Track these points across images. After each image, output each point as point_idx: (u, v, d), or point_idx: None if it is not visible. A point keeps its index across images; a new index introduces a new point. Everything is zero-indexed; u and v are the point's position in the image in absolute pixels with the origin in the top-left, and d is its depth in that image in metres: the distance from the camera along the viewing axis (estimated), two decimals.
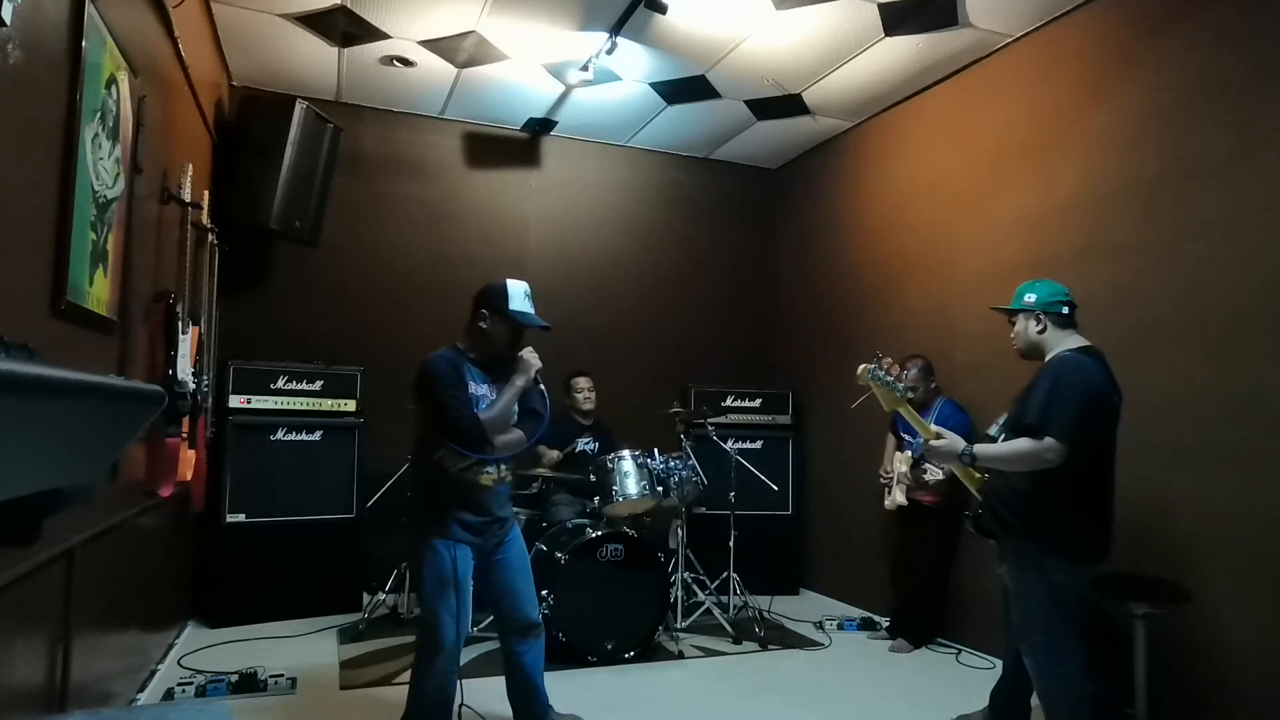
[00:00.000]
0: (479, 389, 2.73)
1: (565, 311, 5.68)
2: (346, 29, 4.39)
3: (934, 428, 2.85)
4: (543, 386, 2.86)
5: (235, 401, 4.49)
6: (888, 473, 4.45)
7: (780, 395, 5.77)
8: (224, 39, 4.53)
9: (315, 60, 4.79)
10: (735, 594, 4.78)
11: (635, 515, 4.33)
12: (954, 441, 2.76)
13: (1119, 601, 2.98)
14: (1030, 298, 2.83)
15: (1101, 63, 3.78)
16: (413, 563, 3.00)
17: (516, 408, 2.80)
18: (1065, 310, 2.81)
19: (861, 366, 2.86)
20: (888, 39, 4.33)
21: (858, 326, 5.41)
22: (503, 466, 2.80)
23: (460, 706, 2.86)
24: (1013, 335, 2.91)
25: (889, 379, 2.85)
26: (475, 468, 2.71)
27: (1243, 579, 3.01)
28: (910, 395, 4.17)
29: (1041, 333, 2.80)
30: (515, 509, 4.20)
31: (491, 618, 4.17)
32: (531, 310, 2.78)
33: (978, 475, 2.87)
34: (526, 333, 2.81)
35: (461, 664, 2.82)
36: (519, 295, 2.75)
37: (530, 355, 2.79)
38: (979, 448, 2.75)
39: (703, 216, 6.35)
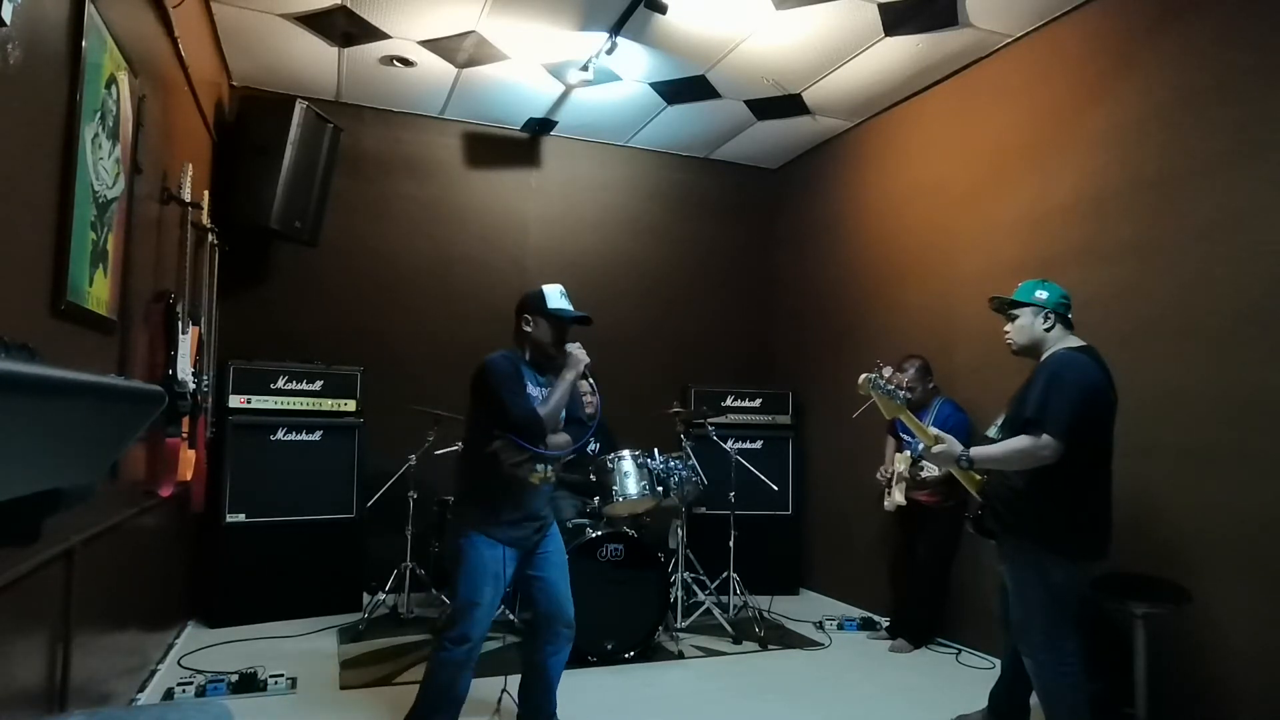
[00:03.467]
0: (534, 390, 2.82)
1: None
2: (346, 29, 4.39)
3: (933, 431, 2.85)
4: (593, 380, 2.99)
5: (235, 401, 4.49)
6: (887, 473, 4.45)
7: (780, 395, 5.77)
8: (224, 39, 4.53)
9: (315, 60, 4.79)
10: (735, 594, 4.78)
11: (635, 515, 4.33)
12: (951, 446, 2.76)
13: (1119, 601, 2.99)
14: (1042, 294, 2.83)
15: (1101, 63, 3.78)
16: (450, 551, 3.08)
17: (564, 415, 2.88)
18: (1069, 314, 2.83)
19: (863, 376, 2.87)
20: (888, 39, 4.33)
21: (858, 326, 5.41)
22: (549, 467, 2.87)
23: (503, 692, 3.04)
24: (1009, 329, 2.89)
25: (890, 388, 2.86)
26: (526, 465, 2.78)
27: (1242, 579, 3.01)
28: (908, 395, 4.19)
29: (1048, 330, 2.80)
30: None
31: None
32: (569, 306, 2.89)
33: (977, 476, 2.87)
34: (572, 331, 2.92)
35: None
36: (555, 295, 2.87)
37: (577, 350, 2.88)
38: (976, 451, 2.75)
39: (703, 216, 6.35)
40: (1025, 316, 2.84)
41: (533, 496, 2.83)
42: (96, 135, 2.33)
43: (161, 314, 3.14)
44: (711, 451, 4.79)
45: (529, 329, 2.86)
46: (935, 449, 2.78)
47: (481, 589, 2.72)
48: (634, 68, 4.77)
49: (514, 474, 2.77)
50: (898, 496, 4.30)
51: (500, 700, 3.04)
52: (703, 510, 5.15)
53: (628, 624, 3.93)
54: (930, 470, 4.04)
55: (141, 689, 3.30)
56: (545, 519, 2.93)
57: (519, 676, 3.00)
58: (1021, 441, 2.64)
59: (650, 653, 4.04)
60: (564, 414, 2.90)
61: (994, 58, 4.40)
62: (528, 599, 2.99)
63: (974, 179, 4.50)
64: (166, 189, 3.28)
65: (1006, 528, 2.76)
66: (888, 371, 2.92)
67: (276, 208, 4.51)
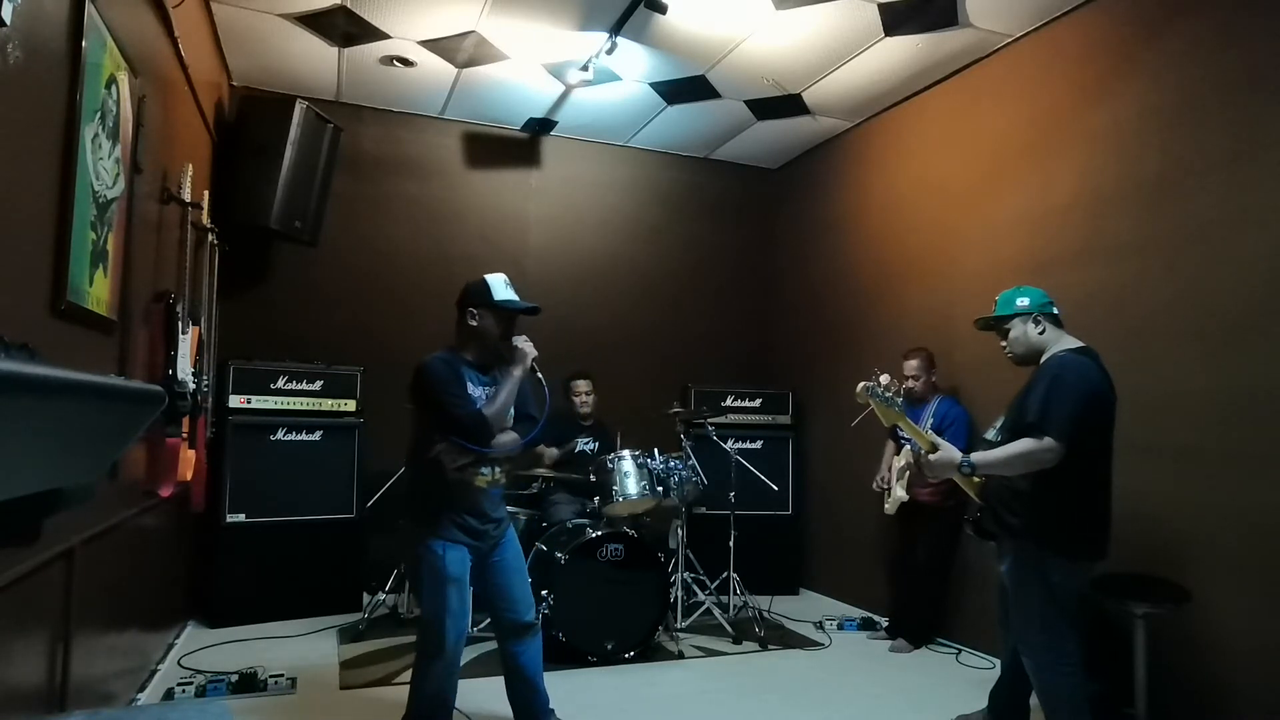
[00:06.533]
0: (477, 390, 2.72)
1: (565, 311, 5.69)
2: (346, 29, 4.39)
3: (930, 437, 2.85)
4: (541, 375, 2.83)
5: (235, 401, 4.49)
6: (884, 481, 4.46)
7: (780, 395, 5.77)
8: (224, 39, 4.53)
9: (315, 60, 4.79)
10: (735, 594, 4.78)
11: (635, 515, 4.33)
12: (950, 453, 2.76)
13: (1119, 601, 2.99)
14: (1023, 301, 2.83)
15: (1101, 63, 3.78)
16: (410, 565, 3.00)
17: (512, 412, 2.79)
18: (1055, 311, 2.83)
19: (861, 385, 2.89)
20: (888, 39, 4.33)
21: (858, 326, 5.41)
22: (497, 469, 2.79)
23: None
24: (1005, 343, 2.89)
25: (888, 395, 2.87)
26: (471, 468, 2.70)
27: (1242, 579, 3.01)
28: (910, 386, 4.24)
29: (1042, 334, 2.81)
30: (515, 509, 4.23)
31: (488, 620, 4.20)
32: (516, 296, 2.79)
33: (976, 479, 2.87)
34: (520, 321, 2.83)
35: (461, 664, 2.82)
36: (500, 285, 2.76)
37: (525, 344, 2.78)
38: (976, 456, 2.75)
39: (703, 216, 6.35)
40: (1016, 327, 2.85)
41: (483, 500, 2.74)
42: (96, 135, 2.33)
43: (161, 314, 3.14)
44: (711, 451, 4.79)
45: (474, 323, 2.74)
46: (934, 457, 2.78)
47: (447, 595, 2.63)
48: (634, 68, 4.77)
49: (459, 478, 2.68)
50: (899, 493, 4.31)
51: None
52: (703, 510, 5.15)
53: (628, 624, 3.93)
54: None
55: (141, 689, 3.30)
56: (501, 520, 2.84)
57: (476, 684, 2.92)
58: (1023, 444, 2.64)
59: (650, 653, 4.04)
60: (513, 410, 2.79)
61: (994, 58, 4.40)
62: (487, 604, 2.90)
63: (974, 179, 4.51)
64: (166, 189, 3.28)
65: (1006, 529, 2.76)
66: (885, 379, 2.93)
67: (276, 208, 4.51)
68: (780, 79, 4.85)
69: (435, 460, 2.66)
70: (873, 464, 4.63)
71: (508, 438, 2.74)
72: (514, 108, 5.47)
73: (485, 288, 2.75)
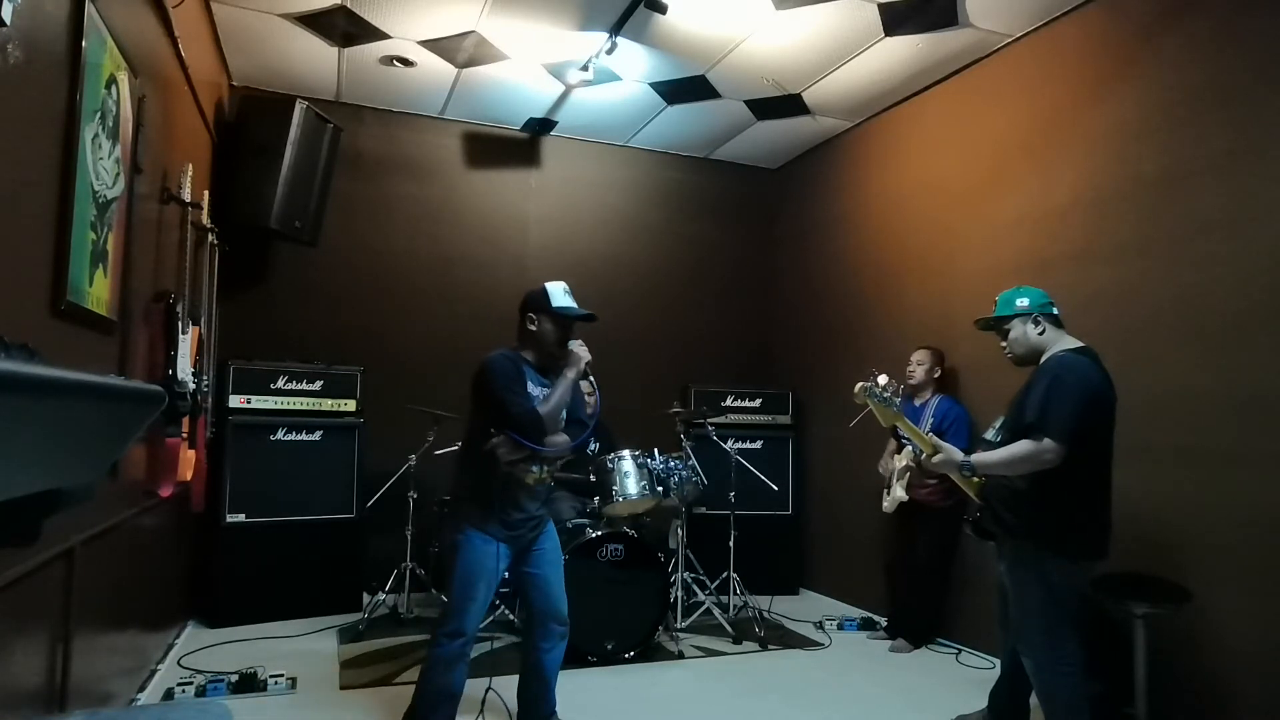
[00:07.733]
0: (535, 390, 2.82)
1: None
2: (346, 29, 4.39)
3: (930, 439, 2.86)
4: (593, 379, 2.98)
5: (235, 401, 4.49)
6: (889, 466, 4.46)
7: (780, 395, 5.77)
8: (224, 39, 4.53)
9: (315, 60, 4.79)
10: (735, 594, 4.78)
11: (635, 515, 4.33)
12: (951, 454, 2.77)
13: (1119, 601, 2.99)
14: (1023, 301, 2.84)
15: (1101, 63, 3.78)
16: (445, 549, 3.08)
17: (565, 415, 2.87)
18: (1055, 311, 2.83)
19: (859, 385, 2.90)
20: (888, 39, 4.33)
21: (858, 326, 5.41)
22: (545, 469, 2.87)
23: (488, 691, 2.99)
24: (1005, 344, 2.89)
25: (885, 395, 2.88)
26: (522, 465, 2.78)
27: (1242, 579, 3.01)
28: (913, 369, 4.25)
29: (1042, 334, 2.81)
30: None
31: (490, 619, 4.20)
32: (574, 304, 2.90)
33: (975, 480, 2.87)
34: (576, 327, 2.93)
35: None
36: (559, 293, 2.87)
37: (579, 348, 2.89)
38: (977, 457, 2.75)
39: (703, 216, 6.35)
40: (1016, 328, 2.85)
41: (529, 497, 2.84)
42: (96, 135, 2.33)
43: (161, 314, 3.14)
44: (711, 451, 4.79)
45: (533, 328, 2.85)
46: (935, 459, 2.79)
47: (476, 585, 2.74)
48: (634, 68, 4.77)
49: (510, 473, 2.77)
50: (899, 493, 4.31)
51: (485, 699, 2.99)
52: (703, 510, 5.15)
53: (628, 624, 3.93)
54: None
55: (141, 689, 3.30)
56: (541, 517, 2.95)
57: (506, 676, 3.00)
58: (1024, 446, 2.64)
59: (650, 653, 4.04)
60: (565, 414, 2.89)
61: (994, 58, 4.40)
62: (522, 596, 3.01)
63: (974, 179, 4.51)
64: (166, 189, 3.28)
65: (1006, 529, 2.76)
66: (883, 379, 2.93)
67: (276, 208, 4.51)
68: (780, 79, 4.85)
69: (489, 454, 2.74)
70: (873, 464, 4.63)
71: (559, 439, 2.84)
72: (514, 108, 5.47)
73: (544, 294, 2.86)
